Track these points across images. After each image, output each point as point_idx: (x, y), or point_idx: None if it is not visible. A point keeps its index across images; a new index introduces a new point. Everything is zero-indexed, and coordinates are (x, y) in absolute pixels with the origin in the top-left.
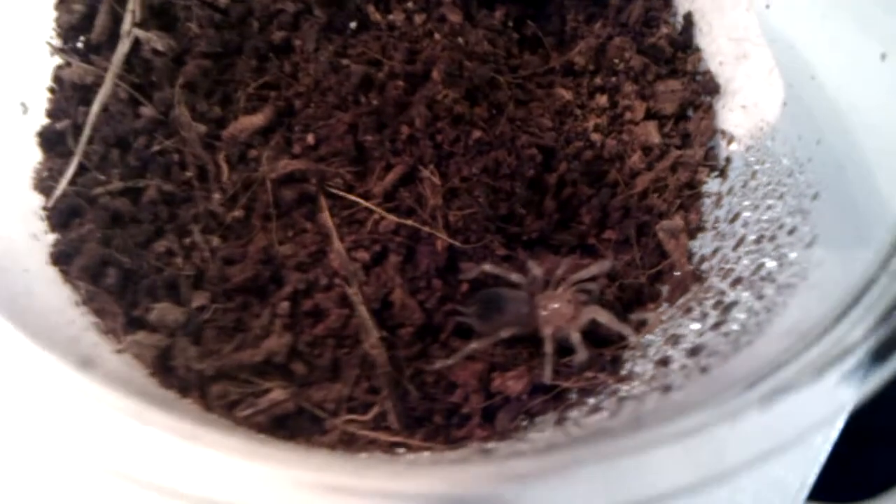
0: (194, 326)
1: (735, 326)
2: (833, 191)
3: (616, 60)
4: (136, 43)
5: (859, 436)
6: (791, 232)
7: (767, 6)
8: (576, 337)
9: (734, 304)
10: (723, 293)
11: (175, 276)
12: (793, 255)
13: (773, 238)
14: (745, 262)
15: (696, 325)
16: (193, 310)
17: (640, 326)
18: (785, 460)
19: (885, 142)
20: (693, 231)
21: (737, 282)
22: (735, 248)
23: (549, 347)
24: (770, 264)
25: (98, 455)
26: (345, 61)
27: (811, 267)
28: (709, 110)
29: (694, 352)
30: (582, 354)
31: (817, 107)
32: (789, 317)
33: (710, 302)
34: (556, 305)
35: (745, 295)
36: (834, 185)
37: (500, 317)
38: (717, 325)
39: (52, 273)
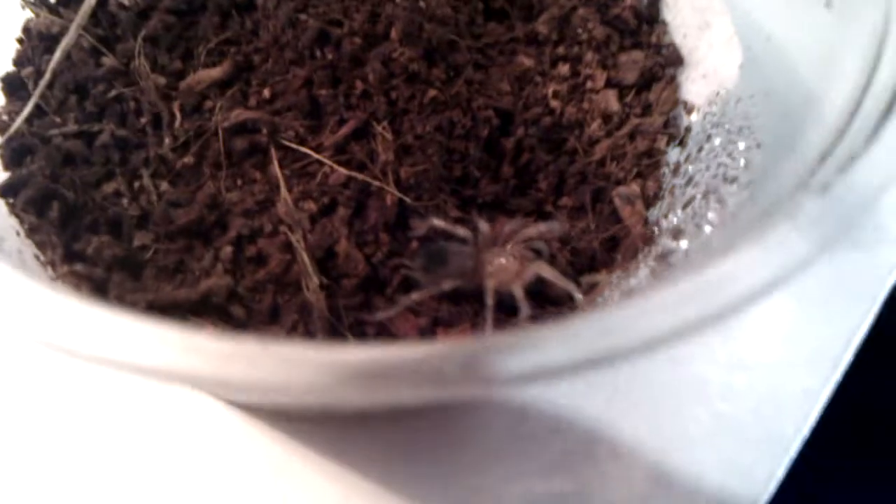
0: (133, 263)
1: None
2: (774, 138)
3: (580, 30)
4: None
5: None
6: (732, 181)
7: None
8: (518, 292)
9: (672, 251)
10: (667, 248)
11: (119, 215)
12: (731, 202)
13: (716, 190)
14: (690, 217)
15: (636, 280)
16: (134, 248)
17: (590, 289)
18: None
19: (824, 80)
20: (650, 199)
21: (678, 234)
22: (684, 207)
23: (489, 300)
24: (710, 215)
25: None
26: (303, 16)
27: (743, 208)
28: (671, 81)
29: (626, 294)
30: (525, 310)
31: (769, 65)
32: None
33: (653, 255)
34: (501, 260)
35: (684, 242)
36: (776, 133)
37: (444, 269)
38: (653, 272)
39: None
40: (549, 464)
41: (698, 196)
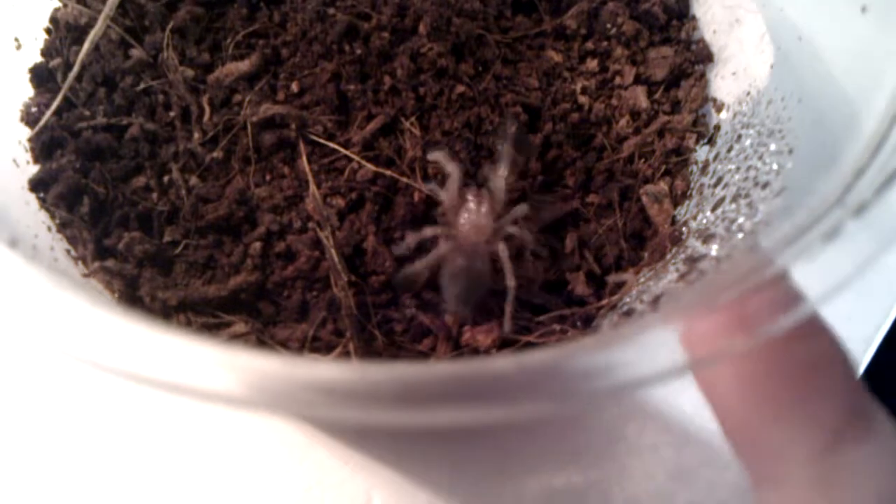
0: (164, 259)
1: (695, 275)
2: (808, 145)
3: (609, 25)
4: None
5: None
6: (764, 186)
7: None
8: (503, 253)
9: (703, 256)
10: (696, 251)
11: (149, 210)
12: (762, 208)
13: (747, 195)
14: (720, 220)
15: (663, 281)
16: (164, 243)
17: (617, 288)
18: None
19: (862, 91)
20: (678, 197)
21: (709, 238)
22: (713, 209)
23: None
24: (741, 220)
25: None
26: (331, 10)
27: (776, 216)
28: (701, 78)
29: (655, 300)
30: (510, 278)
31: (802, 67)
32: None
33: (682, 258)
34: (473, 217)
35: (714, 247)
36: (809, 139)
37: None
38: (682, 276)
39: (30, 198)
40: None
41: (728, 198)
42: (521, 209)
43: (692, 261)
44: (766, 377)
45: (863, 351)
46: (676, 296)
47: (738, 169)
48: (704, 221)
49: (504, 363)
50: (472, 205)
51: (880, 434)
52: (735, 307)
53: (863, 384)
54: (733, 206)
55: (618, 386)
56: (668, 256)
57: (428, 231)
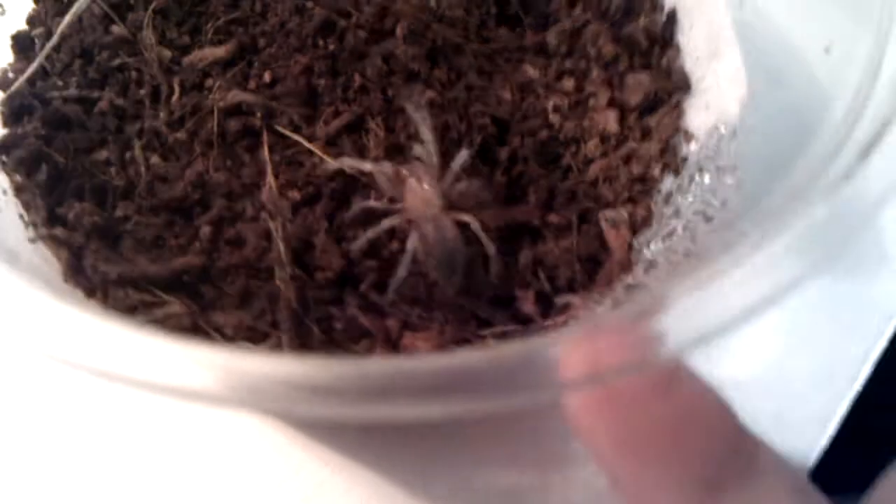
0: (112, 233)
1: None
2: (758, 186)
3: (589, 46)
4: None
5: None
6: (708, 220)
7: (741, 5)
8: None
9: (639, 287)
10: (636, 279)
11: (105, 184)
12: (702, 240)
13: (693, 228)
14: (666, 250)
15: (601, 309)
16: (115, 217)
17: (562, 309)
18: None
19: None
20: (638, 225)
21: (652, 268)
22: (664, 239)
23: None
24: (681, 251)
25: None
26: (310, 5)
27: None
28: (675, 108)
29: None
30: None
31: (772, 105)
32: None
33: (622, 287)
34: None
35: (652, 280)
36: (762, 180)
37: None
38: (616, 305)
39: None
40: None
41: (678, 229)
42: (461, 157)
43: (629, 289)
44: (635, 421)
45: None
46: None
47: (692, 202)
48: (654, 250)
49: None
50: (411, 179)
51: (766, 475)
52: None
53: (742, 424)
54: (679, 237)
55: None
56: (615, 283)
57: (385, 223)
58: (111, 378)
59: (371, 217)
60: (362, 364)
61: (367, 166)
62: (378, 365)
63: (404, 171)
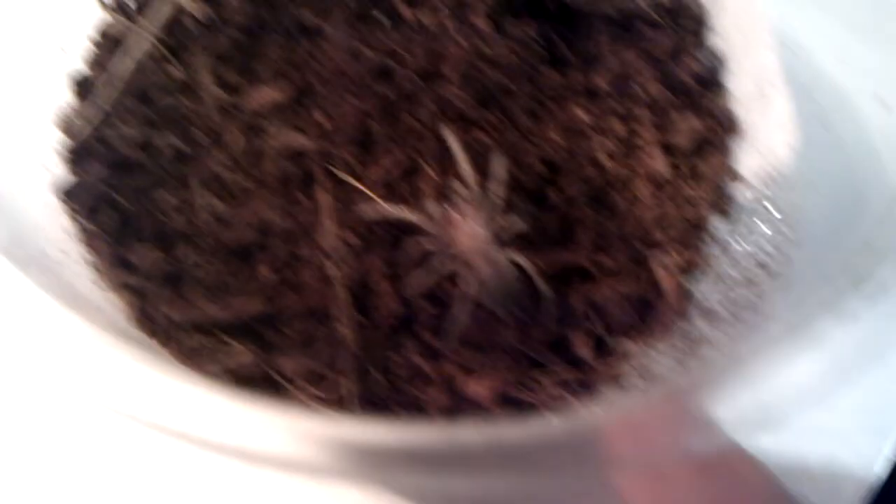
0: (175, 277)
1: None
2: (817, 241)
3: (637, 88)
4: (178, 8)
5: None
6: (772, 275)
7: (794, 52)
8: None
9: (703, 340)
10: (699, 331)
11: (169, 228)
12: (766, 294)
13: (755, 281)
14: (726, 300)
15: (663, 361)
16: (179, 262)
17: (619, 356)
18: None
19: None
20: (689, 269)
21: (713, 319)
22: (721, 287)
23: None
24: (746, 305)
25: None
26: (366, 50)
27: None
28: (725, 151)
29: (654, 382)
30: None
31: (824, 156)
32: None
33: (683, 334)
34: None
35: (717, 334)
36: (820, 235)
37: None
38: (681, 361)
39: (54, 203)
40: None
41: (737, 279)
42: (499, 164)
43: (692, 342)
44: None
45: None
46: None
47: (747, 252)
48: (711, 301)
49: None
50: (455, 218)
51: None
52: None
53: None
54: (742, 289)
55: None
56: (673, 330)
57: (437, 266)
58: (206, 446)
59: (425, 259)
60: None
61: (408, 214)
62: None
63: (448, 212)
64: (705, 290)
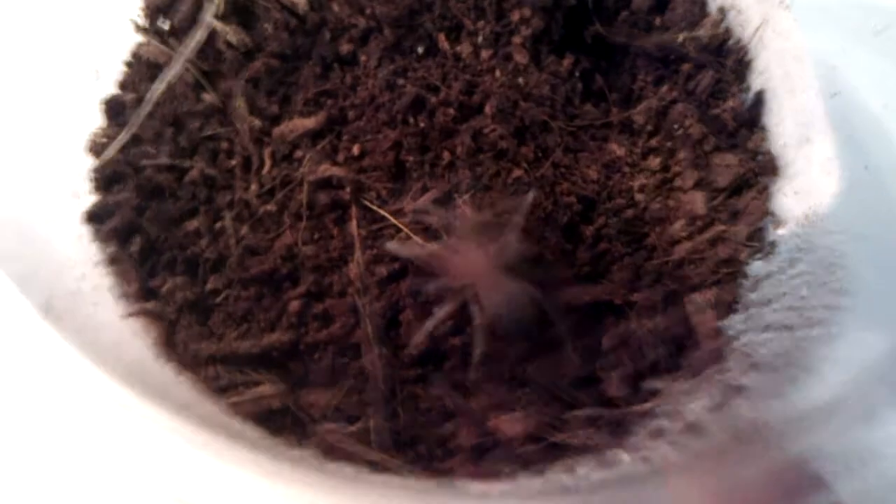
0: (204, 307)
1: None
2: (865, 293)
3: (676, 125)
4: (213, 33)
5: None
6: (813, 324)
7: (834, 94)
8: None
9: (740, 389)
10: (733, 377)
11: (197, 256)
12: (814, 349)
13: (793, 328)
14: (766, 349)
15: (696, 404)
16: (207, 291)
17: (650, 395)
18: None
19: None
20: (724, 310)
21: (751, 366)
22: (758, 333)
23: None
24: (784, 354)
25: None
26: (402, 82)
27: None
28: (763, 191)
29: (689, 428)
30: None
31: (869, 201)
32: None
33: (718, 381)
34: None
35: (755, 382)
36: (869, 286)
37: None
38: (716, 407)
39: (84, 231)
40: None
41: (774, 325)
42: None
43: (728, 390)
44: None
45: None
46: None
47: (786, 295)
48: (747, 344)
49: None
50: (455, 255)
51: None
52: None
53: None
54: (779, 336)
55: None
56: (707, 373)
57: (451, 301)
58: None
59: (439, 293)
60: None
61: (405, 251)
62: None
63: (450, 248)
64: (740, 332)
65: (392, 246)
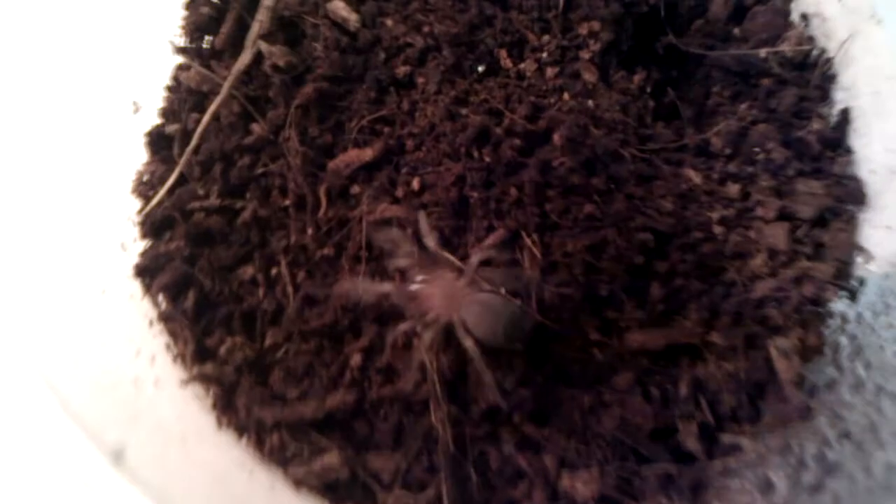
0: (262, 365)
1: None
2: None
3: (756, 149)
4: (259, 55)
5: None
6: None
7: None
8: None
9: (837, 469)
10: (828, 444)
11: (253, 309)
12: None
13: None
14: (859, 414)
15: (783, 473)
16: (265, 348)
17: (730, 450)
18: None
19: None
20: (809, 353)
21: (845, 435)
22: (852, 391)
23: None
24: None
25: None
26: (464, 110)
27: None
28: (850, 221)
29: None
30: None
31: None
32: None
33: (812, 450)
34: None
35: (852, 456)
36: None
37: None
38: (814, 490)
39: (134, 288)
40: None
41: (870, 384)
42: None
43: (824, 466)
44: None
45: None
46: None
47: (881, 347)
48: (840, 405)
49: None
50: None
51: None
52: None
53: None
54: (876, 398)
55: None
56: (790, 431)
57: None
58: None
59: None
60: None
61: (378, 289)
62: None
63: (423, 286)
64: (829, 383)
65: (363, 285)
